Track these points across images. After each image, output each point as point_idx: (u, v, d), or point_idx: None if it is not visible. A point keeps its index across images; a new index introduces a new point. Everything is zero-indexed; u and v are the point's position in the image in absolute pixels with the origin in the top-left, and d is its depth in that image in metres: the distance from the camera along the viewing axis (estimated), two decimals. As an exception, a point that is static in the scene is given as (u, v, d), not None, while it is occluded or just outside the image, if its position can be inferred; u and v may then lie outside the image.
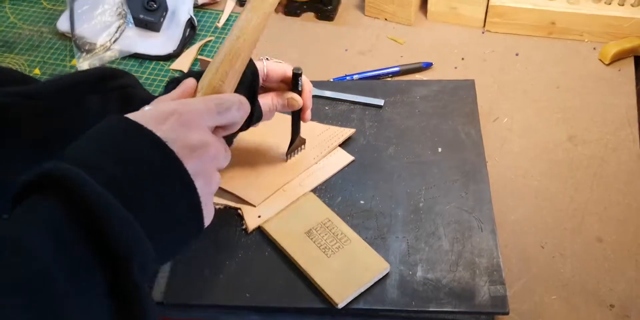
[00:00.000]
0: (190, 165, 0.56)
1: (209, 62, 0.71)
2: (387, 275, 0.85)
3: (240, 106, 0.65)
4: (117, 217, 0.49)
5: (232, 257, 0.89)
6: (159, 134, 0.55)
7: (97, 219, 0.48)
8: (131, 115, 0.57)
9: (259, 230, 0.91)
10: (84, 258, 0.47)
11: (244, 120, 0.66)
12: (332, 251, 0.86)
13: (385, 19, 1.34)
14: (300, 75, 0.87)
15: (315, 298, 0.83)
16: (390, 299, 0.82)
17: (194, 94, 0.68)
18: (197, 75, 0.82)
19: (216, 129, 0.64)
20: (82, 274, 0.47)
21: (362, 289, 0.83)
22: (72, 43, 1.31)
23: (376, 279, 0.84)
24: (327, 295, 0.82)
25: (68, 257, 0.47)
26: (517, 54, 1.25)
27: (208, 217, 0.59)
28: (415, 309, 0.82)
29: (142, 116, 0.57)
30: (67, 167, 0.50)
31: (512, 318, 0.85)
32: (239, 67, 0.70)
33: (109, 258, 0.48)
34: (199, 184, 0.56)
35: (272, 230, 0.90)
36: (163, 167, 0.54)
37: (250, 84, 0.83)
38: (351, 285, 0.82)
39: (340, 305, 0.82)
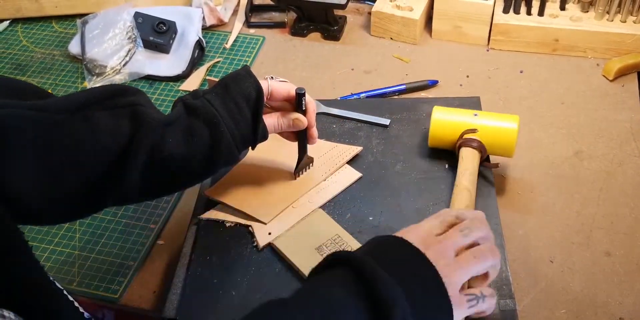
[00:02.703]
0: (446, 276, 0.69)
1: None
2: None
3: (495, 265, 0.75)
4: (386, 282, 0.64)
5: (244, 273, 0.90)
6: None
7: (371, 282, 0.64)
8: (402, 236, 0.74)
9: (270, 246, 0.92)
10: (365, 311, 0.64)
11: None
12: None
13: (391, 38, 1.36)
14: (303, 95, 0.89)
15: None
16: (401, 314, 0.83)
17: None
18: (205, 93, 0.84)
19: None
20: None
21: None
22: (83, 66, 1.33)
23: None
24: None
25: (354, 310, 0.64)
26: (521, 71, 1.26)
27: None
28: (425, 324, 0.82)
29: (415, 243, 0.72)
30: (354, 254, 0.70)
31: (522, 332, 0.86)
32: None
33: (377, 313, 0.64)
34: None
35: (283, 246, 0.91)
36: (425, 275, 0.69)
37: (255, 102, 0.84)
38: None
39: None
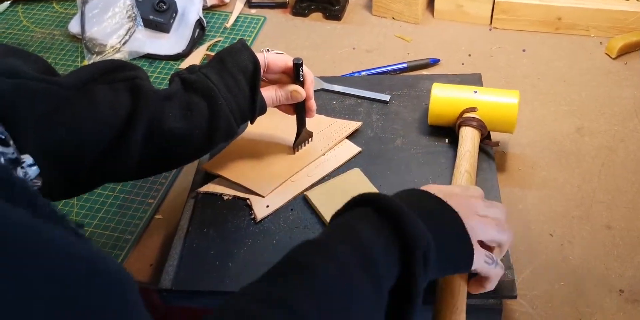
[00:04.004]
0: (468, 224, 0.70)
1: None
2: None
3: (501, 211, 0.77)
4: (411, 219, 0.65)
5: (241, 245, 0.89)
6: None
7: (398, 219, 0.64)
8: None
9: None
10: (392, 246, 0.64)
11: (503, 221, 0.77)
12: None
13: (393, 18, 1.35)
14: (301, 65, 0.88)
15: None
16: (398, 284, 0.82)
17: None
18: (201, 68, 0.83)
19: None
20: (389, 256, 0.64)
21: None
22: (83, 45, 1.33)
23: None
24: None
25: (386, 245, 0.64)
26: (524, 50, 1.25)
27: (478, 262, 0.71)
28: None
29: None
30: (380, 195, 0.69)
31: (521, 304, 0.85)
32: None
33: (404, 240, 0.64)
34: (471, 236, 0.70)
35: (315, 198, 0.92)
36: (449, 217, 0.70)
37: (252, 75, 0.84)
38: None
39: None
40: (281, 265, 0.62)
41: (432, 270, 0.65)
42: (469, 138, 0.94)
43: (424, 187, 0.75)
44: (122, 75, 0.80)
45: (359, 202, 0.69)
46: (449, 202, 0.71)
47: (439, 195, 0.72)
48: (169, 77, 1.25)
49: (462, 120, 0.96)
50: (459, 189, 0.79)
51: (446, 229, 0.69)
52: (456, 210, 0.70)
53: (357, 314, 0.59)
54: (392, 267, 0.63)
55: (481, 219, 0.73)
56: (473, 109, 0.96)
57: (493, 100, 0.97)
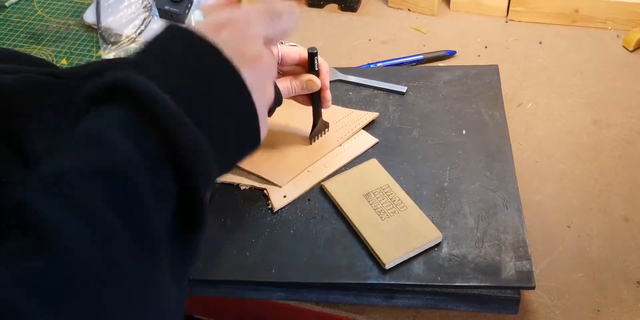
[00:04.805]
0: (246, 76, 0.55)
1: None
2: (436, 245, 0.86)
3: (291, 13, 0.63)
4: (183, 123, 0.48)
5: (258, 235, 0.89)
6: (216, 44, 0.54)
7: (165, 124, 0.47)
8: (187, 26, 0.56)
9: (320, 188, 0.94)
10: (159, 157, 0.47)
11: (294, 29, 0.64)
12: (387, 215, 0.87)
13: (409, 10, 1.35)
14: (315, 54, 0.88)
15: (340, 274, 0.84)
16: (416, 274, 0.82)
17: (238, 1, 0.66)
18: None
19: (267, 41, 0.62)
20: (159, 171, 0.47)
21: (412, 254, 0.83)
22: (98, 35, 1.33)
23: (426, 247, 0.84)
24: (376, 255, 0.83)
25: (146, 154, 0.47)
26: (540, 42, 1.25)
27: (264, 129, 0.59)
28: (441, 284, 0.82)
29: (201, 22, 0.57)
30: (130, 75, 0.49)
31: (538, 294, 0.85)
32: None
33: (176, 161, 0.48)
34: (254, 95, 0.56)
35: (332, 189, 0.92)
36: (222, 77, 0.54)
37: None
38: (400, 248, 0.83)
39: (388, 266, 0.82)
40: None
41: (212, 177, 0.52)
42: None
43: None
44: None
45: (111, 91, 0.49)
46: (220, 40, 0.55)
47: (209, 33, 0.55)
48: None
49: None
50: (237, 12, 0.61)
51: (225, 109, 0.54)
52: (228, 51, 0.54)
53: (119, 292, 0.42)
54: (164, 194, 0.48)
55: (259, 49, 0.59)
56: None
57: None
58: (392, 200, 0.89)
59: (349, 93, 1.09)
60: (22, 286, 0.38)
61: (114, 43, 1.31)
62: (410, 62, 1.21)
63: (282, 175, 0.95)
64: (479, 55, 1.23)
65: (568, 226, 0.93)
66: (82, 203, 0.42)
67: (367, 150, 0.99)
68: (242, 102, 0.55)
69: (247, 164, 0.97)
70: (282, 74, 0.91)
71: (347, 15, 1.36)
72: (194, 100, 0.52)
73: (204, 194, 0.50)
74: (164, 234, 0.47)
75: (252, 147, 0.59)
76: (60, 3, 1.44)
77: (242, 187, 0.95)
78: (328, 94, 0.93)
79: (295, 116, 1.01)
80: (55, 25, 1.39)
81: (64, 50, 1.32)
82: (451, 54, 1.23)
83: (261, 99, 0.57)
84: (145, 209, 0.45)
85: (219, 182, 0.95)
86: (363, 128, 1.02)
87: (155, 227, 0.46)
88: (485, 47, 1.25)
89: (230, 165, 0.58)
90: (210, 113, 0.52)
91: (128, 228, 0.43)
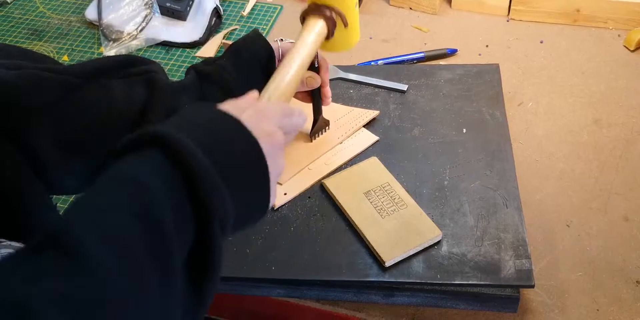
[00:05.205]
0: (262, 145, 0.59)
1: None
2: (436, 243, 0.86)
3: (302, 113, 0.70)
4: (208, 174, 0.52)
5: (259, 232, 0.89)
6: (239, 117, 0.60)
7: (191, 171, 0.51)
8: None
9: (320, 185, 0.94)
10: (184, 202, 0.51)
11: (301, 128, 0.71)
12: (387, 213, 0.88)
13: (410, 8, 1.35)
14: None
15: (340, 272, 0.84)
16: (415, 272, 0.83)
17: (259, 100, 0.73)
18: (216, 60, 0.83)
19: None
20: (183, 214, 0.51)
21: (412, 252, 0.84)
22: (100, 32, 1.33)
23: (426, 245, 0.84)
24: (376, 252, 0.83)
25: (174, 198, 0.50)
26: (541, 42, 1.25)
27: (273, 197, 0.62)
28: (440, 282, 0.82)
29: (223, 106, 0.62)
30: (165, 128, 0.53)
31: (538, 293, 0.85)
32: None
33: (199, 208, 0.51)
34: (269, 162, 0.60)
35: (333, 186, 0.92)
36: (243, 145, 0.58)
37: (266, 64, 0.84)
38: (400, 246, 0.84)
39: (388, 264, 0.83)
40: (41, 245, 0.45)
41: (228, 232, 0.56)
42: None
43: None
44: (138, 69, 0.79)
45: (142, 141, 0.54)
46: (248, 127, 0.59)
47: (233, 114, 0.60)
48: (185, 64, 1.26)
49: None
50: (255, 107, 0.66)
51: (246, 181, 0.58)
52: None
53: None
54: (186, 236, 0.51)
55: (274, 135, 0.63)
56: None
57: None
58: (392, 198, 0.89)
59: (349, 91, 1.09)
60: (56, 303, 0.41)
61: (115, 40, 1.31)
62: (412, 60, 1.21)
63: (283, 173, 0.95)
64: (480, 54, 1.23)
65: (568, 225, 0.93)
66: (118, 239, 0.46)
67: (367, 148, 0.99)
68: (259, 169, 0.59)
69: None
70: None
71: (349, 14, 1.35)
72: (219, 159, 0.55)
73: (220, 242, 0.53)
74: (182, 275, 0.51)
75: (263, 212, 0.62)
76: (61, 0, 1.44)
77: (243, 185, 0.95)
78: (328, 91, 0.93)
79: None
80: (56, 22, 1.39)
81: (66, 46, 1.32)
82: (452, 52, 1.23)
83: (273, 167, 0.61)
84: (170, 251, 0.49)
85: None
86: (364, 126, 1.02)
87: (177, 266, 0.50)
88: (487, 46, 1.25)
89: (241, 227, 0.60)
90: (232, 173, 0.56)
91: (154, 263, 0.47)
